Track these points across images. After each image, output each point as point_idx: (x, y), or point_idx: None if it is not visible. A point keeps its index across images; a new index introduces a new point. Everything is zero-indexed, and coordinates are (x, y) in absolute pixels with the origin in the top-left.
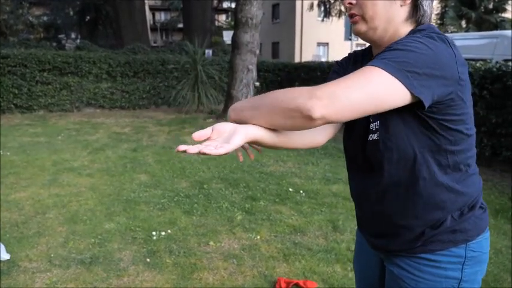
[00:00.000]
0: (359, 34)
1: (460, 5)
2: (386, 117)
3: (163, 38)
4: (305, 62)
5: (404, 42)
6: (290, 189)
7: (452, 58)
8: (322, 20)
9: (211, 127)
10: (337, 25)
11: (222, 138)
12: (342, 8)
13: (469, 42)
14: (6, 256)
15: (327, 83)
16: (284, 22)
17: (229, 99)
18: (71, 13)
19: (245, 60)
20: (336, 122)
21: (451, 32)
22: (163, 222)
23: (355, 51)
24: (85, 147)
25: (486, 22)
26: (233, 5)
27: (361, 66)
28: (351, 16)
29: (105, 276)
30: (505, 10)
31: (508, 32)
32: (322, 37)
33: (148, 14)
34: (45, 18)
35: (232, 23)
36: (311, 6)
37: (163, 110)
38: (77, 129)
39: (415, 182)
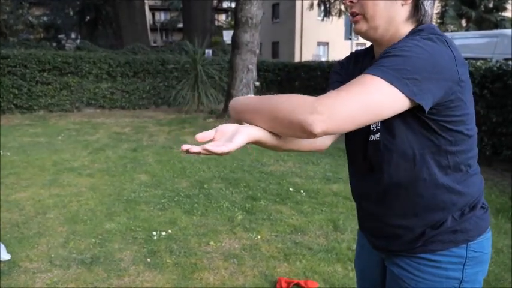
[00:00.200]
0: (360, 33)
1: (460, 4)
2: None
3: (163, 38)
4: (305, 61)
5: (402, 47)
6: (290, 189)
7: (452, 60)
8: (322, 20)
9: (215, 128)
10: (337, 24)
11: (224, 137)
12: (342, 8)
13: (470, 42)
14: (6, 256)
15: (328, 94)
16: (284, 22)
17: (229, 99)
18: (71, 13)
19: (245, 59)
20: (337, 134)
21: (451, 31)
22: (164, 222)
23: (356, 51)
24: (85, 147)
25: (486, 21)
26: (233, 5)
27: (362, 67)
28: (352, 15)
29: (105, 276)
30: (505, 9)
31: (508, 31)
32: (322, 37)
33: (148, 14)
34: (45, 18)
35: (232, 22)
36: (311, 6)
37: (164, 110)
38: (77, 129)
39: (415, 182)
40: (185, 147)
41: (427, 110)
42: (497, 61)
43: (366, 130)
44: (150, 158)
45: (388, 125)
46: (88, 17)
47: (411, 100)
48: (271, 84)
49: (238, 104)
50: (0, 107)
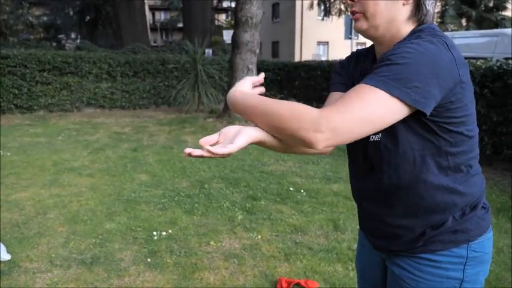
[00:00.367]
0: (360, 32)
1: (460, 3)
2: None
3: (163, 37)
4: (305, 61)
5: (402, 54)
6: (291, 189)
7: (452, 62)
8: (322, 19)
9: (218, 132)
10: (337, 24)
11: (227, 139)
12: (342, 7)
13: (470, 41)
14: (6, 256)
15: (330, 109)
16: (284, 21)
17: None
18: (71, 13)
19: (245, 59)
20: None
21: (451, 31)
22: (164, 222)
23: (357, 50)
24: (85, 147)
25: (486, 20)
26: (233, 5)
27: (363, 66)
28: (352, 13)
29: (106, 276)
30: (505, 8)
31: (508, 30)
32: (322, 36)
33: (148, 14)
34: (45, 18)
35: (232, 22)
36: (311, 5)
37: (164, 110)
38: (77, 129)
39: (415, 183)
40: (187, 150)
41: (428, 114)
42: (497, 60)
43: None
44: (150, 157)
45: (389, 126)
46: (88, 17)
47: (413, 107)
48: (271, 83)
49: (238, 103)
50: (0, 107)
